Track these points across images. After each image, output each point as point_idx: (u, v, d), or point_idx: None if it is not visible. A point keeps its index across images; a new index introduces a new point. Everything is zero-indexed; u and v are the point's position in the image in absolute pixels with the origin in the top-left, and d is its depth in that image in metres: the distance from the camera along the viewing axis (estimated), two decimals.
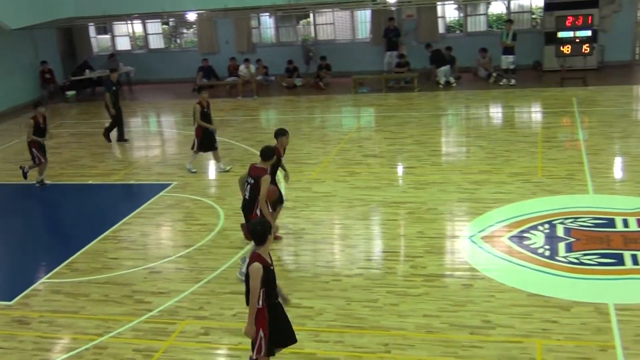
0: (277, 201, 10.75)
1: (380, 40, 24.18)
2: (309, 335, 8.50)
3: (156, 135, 20.00)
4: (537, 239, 10.66)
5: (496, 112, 19.26)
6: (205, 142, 14.96)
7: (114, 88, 18.24)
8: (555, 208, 11.55)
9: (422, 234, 11.22)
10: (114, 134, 18.41)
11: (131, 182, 15.39)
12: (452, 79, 22.22)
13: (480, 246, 10.63)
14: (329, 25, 25.88)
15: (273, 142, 10.78)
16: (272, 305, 7.02)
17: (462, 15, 25.04)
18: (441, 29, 24.63)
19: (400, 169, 14.81)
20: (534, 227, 11.04)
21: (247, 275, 6.94)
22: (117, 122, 18.38)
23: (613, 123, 16.43)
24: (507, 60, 21.35)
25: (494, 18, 25.10)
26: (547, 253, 10.18)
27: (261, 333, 6.99)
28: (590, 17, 21.53)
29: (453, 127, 18.11)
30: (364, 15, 25.65)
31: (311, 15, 26.05)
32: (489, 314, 8.73)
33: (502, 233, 10.99)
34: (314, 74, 24.38)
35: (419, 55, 23.47)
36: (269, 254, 6.99)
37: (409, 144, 16.21)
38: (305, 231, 11.71)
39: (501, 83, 21.48)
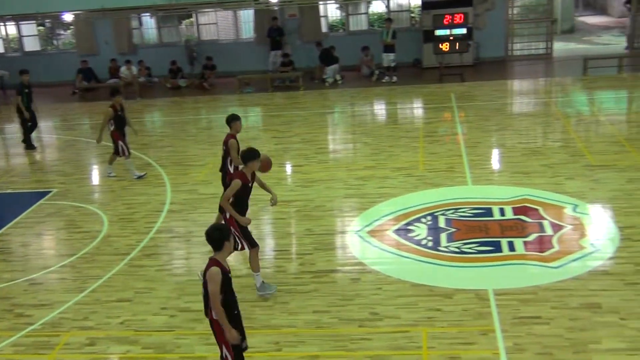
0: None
1: (264, 39, 24.23)
2: (199, 339, 8.41)
3: (34, 141, 19.19)
4: (421, 230, 11.01)
5: (379, 109, 19.72)
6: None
7: (26, 90, 17.58)
8: (437, 200, 11.96)
9: (311, 232, 11.34)
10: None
11: (8, 191, 14.72)
12: (337, 77, 22.56)
13: (367, 240, 10.86)
14: (212, 25, 25.68)
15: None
16: (232, 318, 6.80)
17: (344, 14, 25.45)
18: (324, 28, 24.95)
19: (287, 168, 14.90)
20: (418, 220, 11.39)
21: (205, 282, 6.71)
22: (33, 125, 17.81)
23: (489, 117, 17.18)
24: (388, 58, 21.91)
25: (375, 17, 25.68)
26: (430, 244, 10.53)
27: (225, 351, 6.82)
28: (465, 16, 22.43)
29: (339, 125, 18.40)
30: (247, 15, 25.63)
31: (194, 15, 25.75)
32: (376, 306, 8.93)
33: (387, 227, 11.27)
34: (199, 74, 24.13)
35: (303, 55, 23.70)
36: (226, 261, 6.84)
37: (295, 143, 16.33)
38: (193, 234, 11.58)
39: (384, 80, 22.01)
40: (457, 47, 21.99)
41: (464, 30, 22.41)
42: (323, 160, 15.07)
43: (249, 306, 9.14)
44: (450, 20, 22.53)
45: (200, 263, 10.52)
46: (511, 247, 10.23)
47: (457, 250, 10.25)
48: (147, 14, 25.22)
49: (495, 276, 9.50)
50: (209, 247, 6.87)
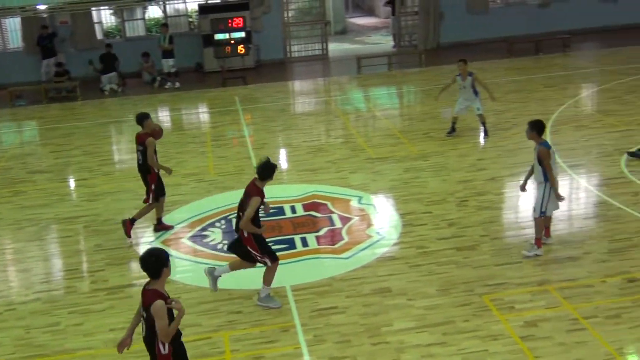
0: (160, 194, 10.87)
1: (34, 48, 22.79)
2: None
3: None
4: (216, 235, 10.99)
5: (164, 116, 19.38)
6: None
7: None
8: (229, 203, 12.00)
9: (101, 247, 10.90)
10: None
11: None
12: (115, 86, 21.80)
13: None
14: None
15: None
16: (176, 346, 6.32)
17: (119, 20, 24.68)
18: (99, 35, 24.02)
19: (70, 183, 14.18)
20: (212, 225, 11.36)
21: (147, 318, 6.11)
22: None
23: (274, 118, 17.56)
24: (167, 64, 21.61)
25: (152, 22, 25.19)
26: (226, 248, 10.54)
27: None
28: (242, 19, 22.73)
29: (122, 135, 17.80)
30: (14, 23, 23.96)
31: None
32: None
33: (182, 234, 11.13)
34: None
35: (79, 63, 22.64)
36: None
37: (77, 156, 15.59)
38: None
39: (166, 86, 21.66)
40: (237, 51, 22.22)
41: (243, 34, 22.69)
42: (109, 171, 14.53)
43: (38, 333, 8.59)
44: (227, 24, 22.72)
45: None
46: (304, 242, 10.55)
47: None
48: None
49: (292, 272, 9.74)
50: None
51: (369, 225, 11.08)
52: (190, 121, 18.99)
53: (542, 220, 9.64)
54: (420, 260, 9.78)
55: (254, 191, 8.54)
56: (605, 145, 13.68)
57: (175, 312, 6.26)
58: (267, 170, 8.54)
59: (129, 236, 11.02)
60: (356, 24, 32.12)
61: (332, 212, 11.51)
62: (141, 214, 11.15)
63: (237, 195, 12.29)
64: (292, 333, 8.29)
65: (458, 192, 12.02)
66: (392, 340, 8.01)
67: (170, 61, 21.48)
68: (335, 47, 26.22)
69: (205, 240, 10.84)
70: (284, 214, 11.57)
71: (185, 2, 23.93)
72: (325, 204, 11.85)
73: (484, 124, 14.68)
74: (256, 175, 8.64)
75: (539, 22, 24.75)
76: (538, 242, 9.66)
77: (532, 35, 23.73)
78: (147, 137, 10.85)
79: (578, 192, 11.95)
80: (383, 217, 11.36)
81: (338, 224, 11.08)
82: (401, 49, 25.12)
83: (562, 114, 15.95)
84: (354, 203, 11.88)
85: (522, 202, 11.66)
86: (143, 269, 6.28)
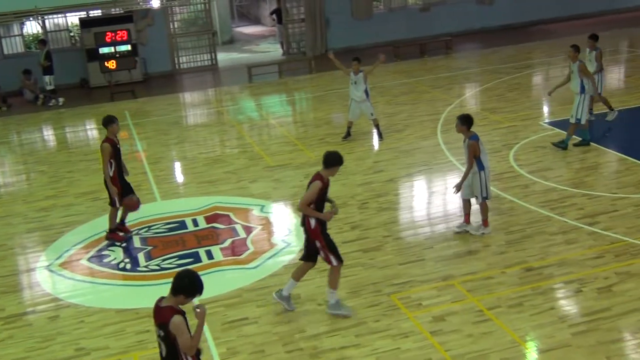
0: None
1: None
2: None
3: None
4: (116, 254, 10.67)
5: (51, 135, 18.64)
6: None
7: None
8: (128, 221, 11.67)
9: None
10: None
11: None
12: None
13: (60, 274, 10.23)
14: None
15: None
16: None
17: None
18: None
19: None
20: (112, 244, 11.01)
21: (166, 337, 5.77)
22: None
23: (167, 130, 17.24)
24: (47, 81, 20.80)
25: (31, 38, 24.18)
26: (129, 266, 10.27)
27: None
28: (127, 32, 22.20)
29: (7, 156, 16.96)
30: None
31: None
32: (81, 341, 8.47)
33: (80, 256, 10.73)
34: None
35: None
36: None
37: None
38: None
39: (50, 104, 20.84)
40: (124, 64, 21.70)
41: (128, 47, 22.18)
42: None
43: None
44: (113, 38, 22.13)
45: None
46: (209, 255, 10.41)
47: (157, 267, 10.14)
48: None
49: None
50: None
51: (273, 233, 11.07)
52: (79, 139, 18.35)
53: (486, 203, 10.26)
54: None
55: (315, 177, 8.39)
56: (493, 142, 14.25)
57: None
58: (330, 157, 8.36)
59: (128, 233, 11.11)
60: (243, 33, 32.05)
61: (235, 223, 11.42)
62: (111, 219, 10.99)
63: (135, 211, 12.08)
64: (204, 347, 8.14)
65: (358, 194, 12.20)
66: (305, 347, 8.03)
67: (47, 78, 20.66)
68: (224, 57, 26.06)
69: (105, 260, 10.51)
70: (187, 228, 11.38)
71: (65, 16, 23.09)
72: (228, 215, 11.74)
73: (377, 126, 14.98)
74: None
75: (421, 26, 25.57)
76: (485, 222, 10.33)
77: (416, 39, 24.47)
78: (104, 142, 10.69)
79: None
80: (287, 225, 11.37)
81: (242, 234, 11.00)
82: (290, 56, 25.28)
83: (451, 113, 16.50)
84: (256, 212, 11.83)
85: (421, 202, 11.98)
86: (175, 283, 5.95)
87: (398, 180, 12.90)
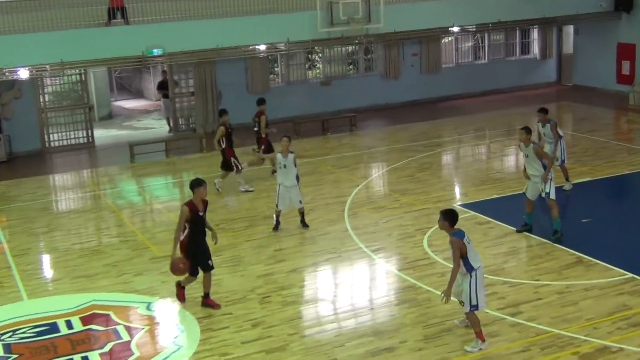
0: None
1: None
2: None
3: None
4: None
5: None
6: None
7: None
8: None
9: None
10: None
11: None
12: None
13: None
14: None
15: None
16: None
17: None
18: None
19: None
20: None
21: None
22: None
23: (35, 218, 16.68)
24: None
25: None
26: None
27: None
28: None
29: None
30: None
31: None
32: None
33: None
34: None
35: None
36: None
37: None
38: None
39: None
40: None
41: None
42: None
43: None
44: None
45: None
46: None
47: None
48: None
49: None
50: None
51: (162, 335, 10.76)
52: None
53: (475, 314, 9.73)
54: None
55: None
56: (405, 226, 14.55)
57: None
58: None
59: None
60: (124, 108, 31.87)
61: (117, 324, 11.04)
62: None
63: None
64: None
65: (259, 287, 12.10)
66: None
67: None
68: (102, 134, 25.75)
69: None
70: (59, 331, 10.88)
71: None
72: (108, 315, 11.35)
73: (302, 214, 14.79)
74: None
75: (323, 101, 26.27)
76: (479, 335, 9.80)
77: (318, 115, 25.06)
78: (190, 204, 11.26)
79: (386, 278, 12.51)
80: (178, 324, 11.09)
81: (125, 336, 10.63)
82: (178, 133, 25.25)
83: (358, 195, 16.80)
84: (141, 310, 11.51)
85: (329, 294, 11.99)
86: None
87: (303, 270, 12.89)
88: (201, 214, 11.16)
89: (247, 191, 17.70)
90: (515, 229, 14.02)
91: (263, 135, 18.25)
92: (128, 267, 13.37)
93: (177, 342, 10.46)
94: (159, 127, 26.94)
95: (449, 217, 9.74)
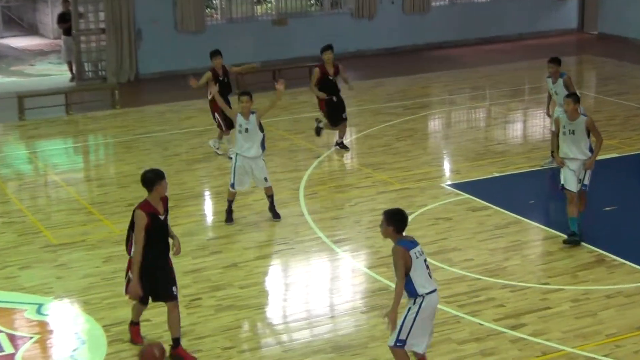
0: None
1: None
2: None
3: None
4: None
5: None
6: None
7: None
8: None
9: None
10: None
11: None
12: None
13: None
14: None
15: None
16: None
17: None
18: None
19: None
20: None
21: None
22: None
23: None
24: None
25: None
26: None
27: None
28: None
29: None
30: None
31: None
32: None
33: None
34: None
35: None
36: None
37: None
38: None
39: None
40: None
41: None
42: None
43: None
44: None
45: None
46: None
47: None
48: None
49: None
50: None
51: (57, 346, 10.76)
52: None
53: (402, 352, 8.97)
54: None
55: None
56: (378, 211, 14.55)
57: None
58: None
59: None
60: (13, 47, 31.56)
61: None
62: None
63: None
64: None
65: (185, 287, 12.06)
66: None
67: None
68: None
69: None
70: None
71: None
72: None
73: (271, 198, 14.51)
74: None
75: (276, 46, 26.44)
76: None
77: (269, 63, 25.10)
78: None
79: (352, 277, 12.57)
80: (78, 333, 11.07)
81: (8, 348, 10.61)
82: (84, 83, 25.02)
83: (318, 170, 16.83)
84: (30, 314, 11.49)
85: (278, 297, 12.02)
86: None
87: (244, 265, 12.91)
88: (162, 217, 10.07)
89: (217, 154, 18.14)
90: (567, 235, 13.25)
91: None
92: (12, 256, 13.34)
93: (76, 357, 10.44)
94: (58, 73, 26.73)
95: (394, 220, 8.91)
